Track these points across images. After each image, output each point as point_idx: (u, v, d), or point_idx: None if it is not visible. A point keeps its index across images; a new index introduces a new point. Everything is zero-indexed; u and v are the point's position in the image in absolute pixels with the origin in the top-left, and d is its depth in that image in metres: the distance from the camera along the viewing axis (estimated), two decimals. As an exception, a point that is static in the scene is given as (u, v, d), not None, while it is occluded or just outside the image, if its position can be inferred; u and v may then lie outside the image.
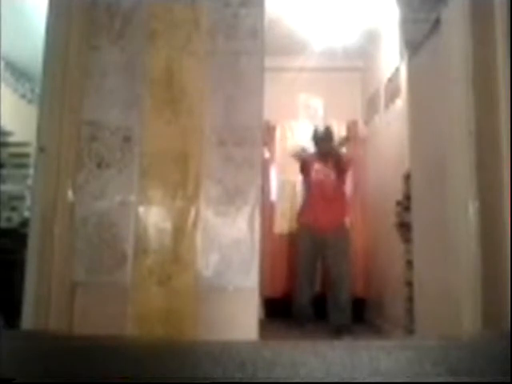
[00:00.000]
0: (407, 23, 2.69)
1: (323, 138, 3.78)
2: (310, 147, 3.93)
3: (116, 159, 2.24)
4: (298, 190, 4.24)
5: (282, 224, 4.39)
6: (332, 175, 3.72)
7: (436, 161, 2.48)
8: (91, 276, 2.16)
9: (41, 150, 2.16)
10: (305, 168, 3.84)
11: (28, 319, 2.04)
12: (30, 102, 4.61)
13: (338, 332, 3.42)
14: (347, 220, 3.89)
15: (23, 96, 4.61)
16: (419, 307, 2.68)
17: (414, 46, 2.76)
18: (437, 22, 2.45)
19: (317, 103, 4.22)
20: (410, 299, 2.84)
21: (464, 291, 2.12)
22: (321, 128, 3.88)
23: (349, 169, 3.95)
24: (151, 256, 2.15)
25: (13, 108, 4.27)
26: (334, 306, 3.57)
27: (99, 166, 2.23)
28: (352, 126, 4.55)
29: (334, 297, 3.58)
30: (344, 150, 4.18)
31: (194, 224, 2.18)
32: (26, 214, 3.51)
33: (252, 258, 2.17)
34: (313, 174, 3.77)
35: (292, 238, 4.23)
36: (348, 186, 4.13)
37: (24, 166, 3.91)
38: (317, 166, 3.76)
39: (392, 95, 3.61)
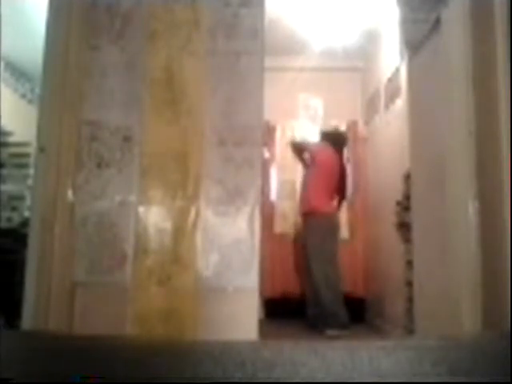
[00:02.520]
0: (407, 23, 2.69)
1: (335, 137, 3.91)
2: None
3: (116, 159, 2.24)
4: (297, 190, 4.22)
5: (282, 224, 4.39)
6: (337, 158, 3.76)
7: (436, 161, 2.48)
8: (91, 276, 2.16)
9: (41, 150, 2.16)
10: (312, 154, 3.80)
11: (28, 319, 2.04)
12: (30, 102, 4.61)
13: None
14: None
15: (23, 96, 4.61)
16: (419, 307, 2.68)
17: (414, 46, 2.76)
18: (437, 22, 2.45)
19: (317, 103, 4.21)
20: (410, 299, 2.83)
21: (464, 291, 2.12)
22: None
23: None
24: (151, 256, 2.15)
25: (13, 108, 4.27)
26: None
27: (99, 165, 2.23)
28: (352, 126, 4.55)
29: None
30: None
31: (194, 224, 2.17)
32: (26, 214, 3.52)
33: (252, 258, 2.17)
34: (322, 159, 3.72)
35: (294, 238, 4.23)
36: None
37: (24, 165, 3.91)
38: (325, 151, 3.76)
39: (392, 95, 3.61)
